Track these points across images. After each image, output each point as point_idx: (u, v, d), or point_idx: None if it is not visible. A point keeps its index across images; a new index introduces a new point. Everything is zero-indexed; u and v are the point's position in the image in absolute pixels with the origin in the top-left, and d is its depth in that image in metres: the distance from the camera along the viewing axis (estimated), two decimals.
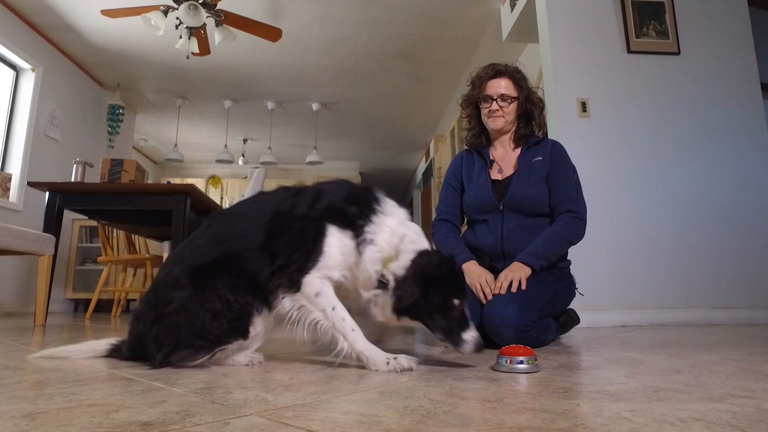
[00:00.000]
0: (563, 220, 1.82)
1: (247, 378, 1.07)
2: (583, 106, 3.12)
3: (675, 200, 3.05)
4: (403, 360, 1.15)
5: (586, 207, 1.89)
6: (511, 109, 1.93)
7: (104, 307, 5.30)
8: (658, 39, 3.28)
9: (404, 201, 8.50)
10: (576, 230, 1.83)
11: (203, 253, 1.27)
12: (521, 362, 1.13)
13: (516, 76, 1.95)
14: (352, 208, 1.26)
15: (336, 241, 1.22)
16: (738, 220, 3.05)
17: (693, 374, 1.07)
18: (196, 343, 1.16)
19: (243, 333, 1.21)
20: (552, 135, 3.15)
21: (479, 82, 1.97)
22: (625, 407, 0.77)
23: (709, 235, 3.01)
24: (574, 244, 1.85)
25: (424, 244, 1.27)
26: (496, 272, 1.79)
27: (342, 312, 1.21)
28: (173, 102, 6.44)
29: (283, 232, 1.25)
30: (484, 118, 1.98)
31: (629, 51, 3.24)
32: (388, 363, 1.14)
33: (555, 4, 3.27)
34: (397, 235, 1.24)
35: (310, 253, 1.21)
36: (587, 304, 2.83)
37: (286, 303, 1.21)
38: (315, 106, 6.48)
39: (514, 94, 1.93)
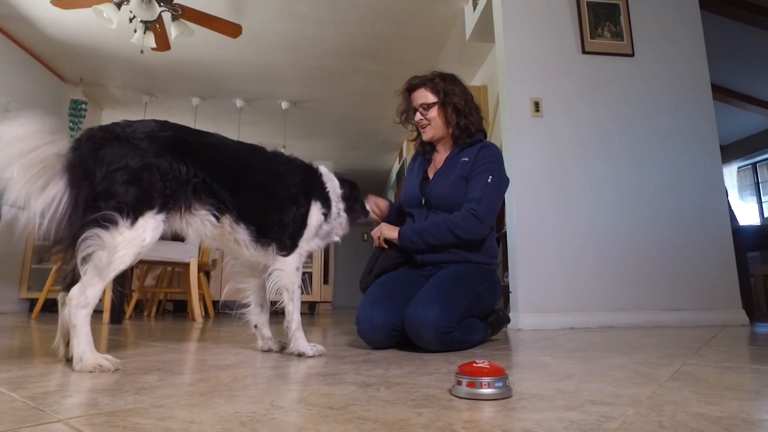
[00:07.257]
0: (459, 213, 1.81)
1: (111, 379, 1.00)
2: (537, 106, 3.10)
3: (625, 202, 3.04)
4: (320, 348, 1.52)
5: (489, 209, 1.82)
6: (433, 114, 1.95)
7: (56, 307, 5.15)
8: (612, 40, 3.27)
9: None
10: (467, 226, 1.78)
11: None
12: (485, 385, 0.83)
13: (431, 82, 1.95)
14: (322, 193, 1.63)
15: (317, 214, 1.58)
16: (687, 223, 3.05)
17: (580, 380, 1.03)
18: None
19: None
20: (505, 134, 3.13)
21: (402, 99, 2.04)
22: (467, 417, 0.71)
23: (658, 237, 3.01)
24: (462, 240, 1.80)
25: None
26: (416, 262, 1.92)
27: (298, 299, 1.52)
28: (140, 98, 6.29)
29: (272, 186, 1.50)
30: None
31: (584, 51, 3.23)
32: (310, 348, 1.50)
33: (510, 3, 3.24)
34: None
35: (300, 225, 1.53)
36: (537, 306, 2.82)
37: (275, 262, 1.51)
38: (284, 105, 6.39)
39: (432, 100, 1.94)
